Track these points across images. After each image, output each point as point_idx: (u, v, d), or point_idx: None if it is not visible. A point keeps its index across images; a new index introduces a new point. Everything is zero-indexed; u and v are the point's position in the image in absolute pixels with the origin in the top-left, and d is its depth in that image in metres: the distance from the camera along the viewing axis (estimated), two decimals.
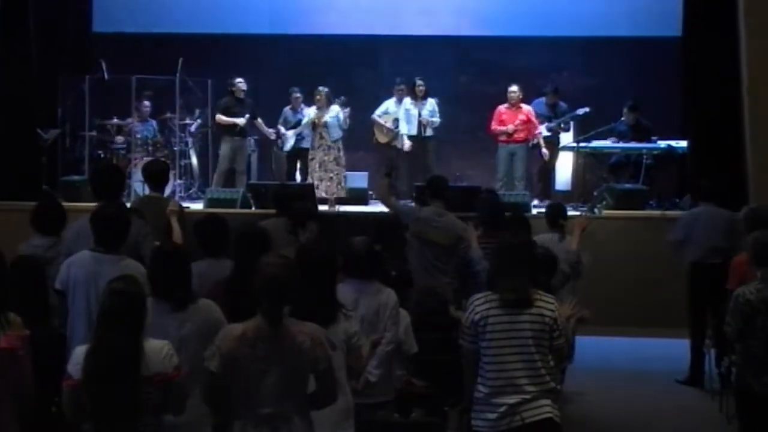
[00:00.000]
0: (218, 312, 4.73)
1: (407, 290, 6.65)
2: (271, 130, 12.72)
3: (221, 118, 12.34)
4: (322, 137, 11.95)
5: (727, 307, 5.85)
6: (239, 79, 12.40)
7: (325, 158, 11.95)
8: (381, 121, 12.59)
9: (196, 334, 4.56)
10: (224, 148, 12.42)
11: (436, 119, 12.38)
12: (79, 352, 4.12)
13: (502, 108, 12.32)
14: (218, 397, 4.17)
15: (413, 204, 9.50)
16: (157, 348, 4.14)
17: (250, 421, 4.11)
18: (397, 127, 12.46)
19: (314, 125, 11.95)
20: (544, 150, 12.26)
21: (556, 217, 7.80)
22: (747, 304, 5.61)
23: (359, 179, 12.39)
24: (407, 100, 12.40)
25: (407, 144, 12.33)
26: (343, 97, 12.27)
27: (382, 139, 12.65)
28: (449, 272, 7.65)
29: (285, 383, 4.10)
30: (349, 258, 5.41)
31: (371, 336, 5.23)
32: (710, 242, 8.28)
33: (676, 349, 8.73)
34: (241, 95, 12.38)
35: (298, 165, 12.54)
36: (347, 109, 12.12)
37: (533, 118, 12.21)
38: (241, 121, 12.24)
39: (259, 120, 12.68)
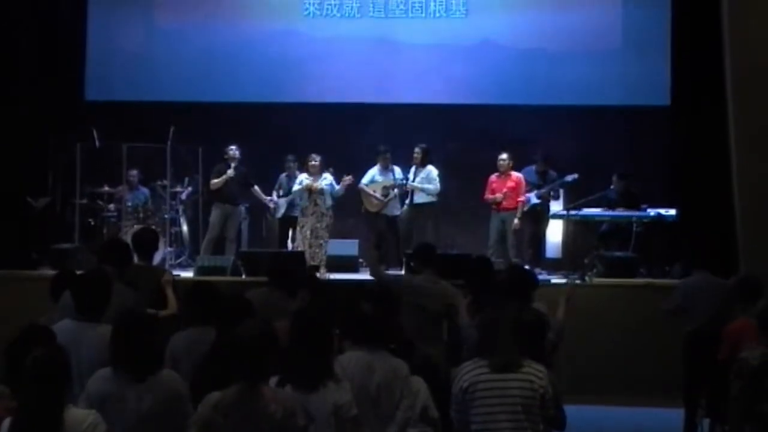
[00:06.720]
0: (181, 384, 4.59)
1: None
2: (268, 198, 12.70)
3: (213, 181, 12.35)
4: (316, 204, 11.95)
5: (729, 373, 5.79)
6: (232, 147, 12.41)
7: (317, 225, 11.93)
8: (369, 190, 12.53)
9: (156, 407, 4.39)
10: (214, 215, 12.39)
11: (430, 186, 12.30)
12: (6, 424, 3.99)
13: (493, 177, 12.38)
14: None
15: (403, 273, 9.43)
16: (80, 418, 4.01)
17: None
18: (387, 196, 12.45)
19: (310, 192, 11.97)
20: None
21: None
22: (750, 369, 5.56)
23: (349, 247, 12.35)
24: (398, 169, 12.44)
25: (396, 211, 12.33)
26: (331, 169, 12.27)
27: (372, 208, 12.58)
28: (442, 340, 7.57)
29: None
30: (358, 326, 5.27)
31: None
32: (709, 311, 8.25)
33: (669, 418, 8.64)
34: (234, 162, 12.37)
35: (290, 233, 12.50)
36: (350, 177, 12.07)
37: (521, 187, 12.24)
38: (230, 172, 12.20)
39: (256, 187, 12.65)
